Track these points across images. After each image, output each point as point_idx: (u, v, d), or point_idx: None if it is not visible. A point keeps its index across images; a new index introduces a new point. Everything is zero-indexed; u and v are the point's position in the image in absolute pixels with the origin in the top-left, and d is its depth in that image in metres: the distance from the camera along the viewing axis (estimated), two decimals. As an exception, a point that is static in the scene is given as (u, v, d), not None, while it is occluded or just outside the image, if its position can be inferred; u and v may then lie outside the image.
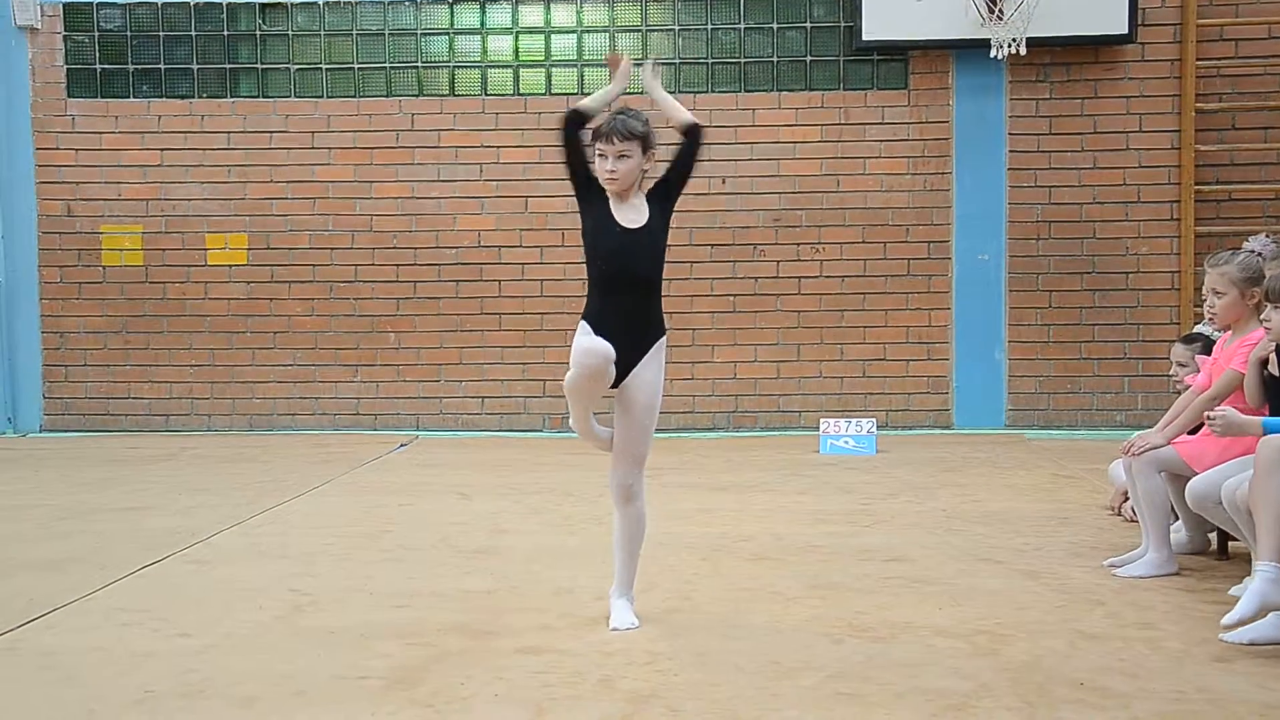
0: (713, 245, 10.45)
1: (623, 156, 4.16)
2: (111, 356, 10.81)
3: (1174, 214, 10.16)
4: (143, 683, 3.74)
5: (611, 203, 4.23)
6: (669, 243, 4.46)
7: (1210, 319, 5.48)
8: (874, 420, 9.40)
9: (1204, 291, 5.23)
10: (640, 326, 4.19)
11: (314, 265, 10.69)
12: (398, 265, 10.67)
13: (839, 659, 3.91)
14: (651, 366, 4.20)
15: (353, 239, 10.67)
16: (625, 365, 4.13)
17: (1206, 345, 5.70)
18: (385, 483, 7.90)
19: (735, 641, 4.11)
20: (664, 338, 4.26)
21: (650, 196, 4.29)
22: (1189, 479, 4.84)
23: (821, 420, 9.46)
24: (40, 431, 10.82)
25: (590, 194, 4.24)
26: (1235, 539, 5.06)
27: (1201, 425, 5.00)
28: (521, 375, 10.58)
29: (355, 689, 3.67)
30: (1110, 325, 10.27)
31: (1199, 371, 5.44)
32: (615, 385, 4.17)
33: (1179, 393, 5.63)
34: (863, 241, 10.42)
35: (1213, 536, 5.43)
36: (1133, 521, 5.79)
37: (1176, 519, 5.40)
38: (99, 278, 10.78)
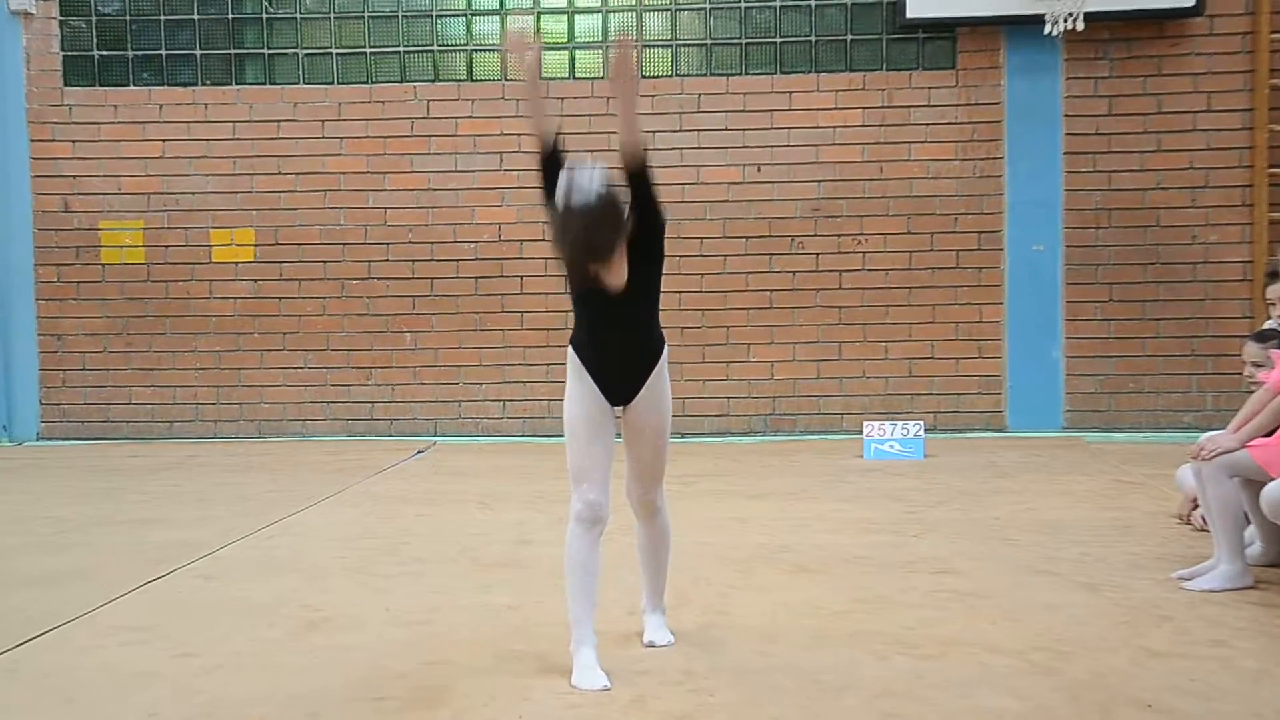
0: (747, 238, 10.44)
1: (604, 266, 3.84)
2: (112, 360, 10.90)
3: (1245, 199, 10.09)
4: (147, 705, 3.77)
5: None
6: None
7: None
8: (921, 423, 9.37)
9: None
10: (635, 353, 4.07)
11: (325, 262, 10.75)
12: (413, 261, 10.72)
13: (885, 677, 3.90)
14: (655, 388, 4.06)
15: (366, 234, 10.73)
16: (626, 394, 4.06)
17: (1282, 340, 5.65)
18: (402, 492, 7.94)
19: (774, 659, 4.11)
20: (665, 353, 4.13)
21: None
22: (1264, 485, 4.80)
23: (865, 423, 9.43)
24: (38, 440, 10.92)
25: None
26: (1313, 549, 5.03)
27: (1277, 426, 4.97)
28: (545, 377, 10.59)
29: (372, 711, 3.69)
30: (1176, 320, 10.20)
31: (1274, 369, 5.40)
32: (618, 404, 4.08)
33: (1252, 392, 5.58)
34: (908, 232, 10.39)
35: (1290, 546, 5.39)
36: (1203, 531, 5.76)
37: (1250, 526, 5.35)
38: (98, 276, 10.87)
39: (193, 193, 10.79)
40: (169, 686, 3.95)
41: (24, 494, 8.12)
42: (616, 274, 3.87)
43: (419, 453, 9.88)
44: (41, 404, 10.97)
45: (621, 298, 3.92)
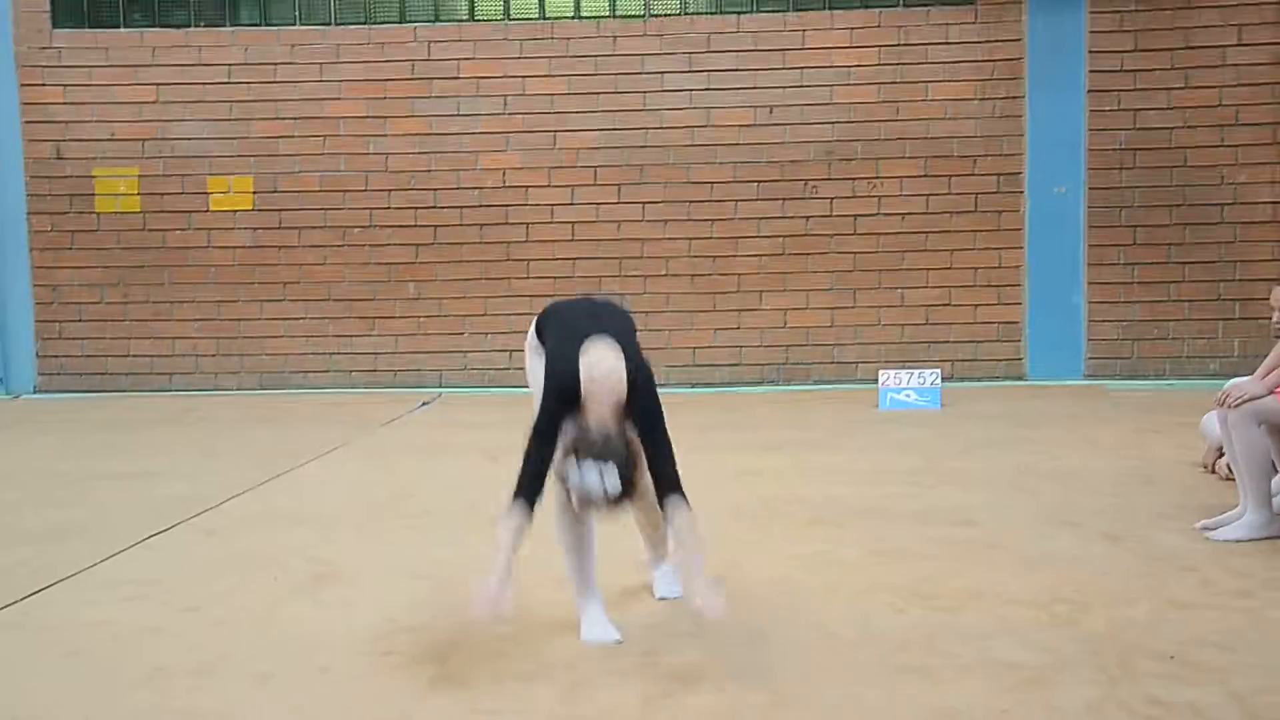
0: (759, 182, 10.40)
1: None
2: (109, 311, 10.92)
3: (1276, 136, 10.03)
4: (152, 659, 3.81)
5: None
6: None
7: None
8: (938, 371, 9.38)
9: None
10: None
11: (325, 210, 10.74)
12: (416, 209, 10.70)
13: (902, 630, 3.92)
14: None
15: (367, 181, 10.70)
16: None
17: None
18: (406, 444, 7.97)
19: (788, 613, 4.13)
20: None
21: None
22: (1290, 432, 4.80)
23: (881, 372, 9.44)
24: (35, 393, 10.97)
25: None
26: (1341, 497, 5.03)
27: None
28: (552, 326, 10.58)
29: (380, 664, 3.72)
30: (1203, 264, 10.17)
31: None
32: None
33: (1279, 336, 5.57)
34: (925, 175, 10.35)
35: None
36: (1228, 479, 5.76)
37: (1277, 475, 5.35)
38: (93, 226, 10.87)
39: (188, 139, 10.76)
40: (174, 641, 3.99)
41: (22, 448, 8.16)
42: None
43: (423, 404, 9.91)
44: (38, 356, 11.00)
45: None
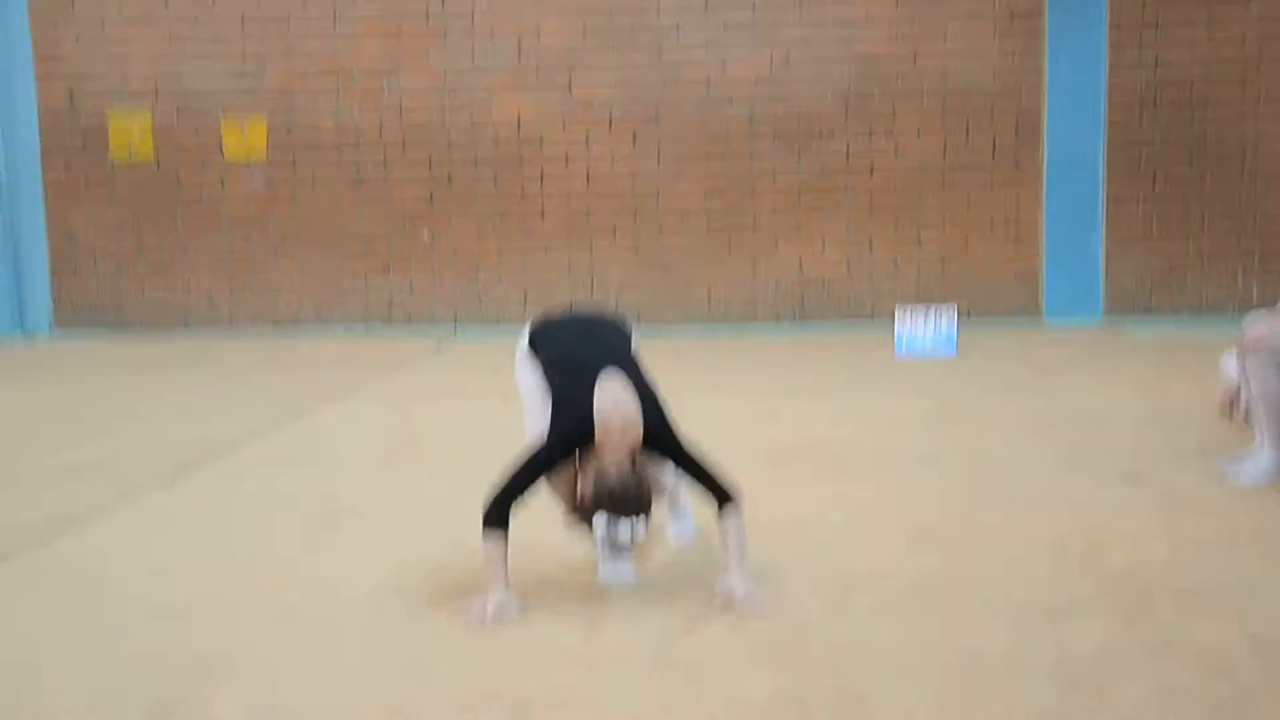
0: (775, 128, 10.32)
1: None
2: (124, 253, 10.92)
3: (1297, 82, 9.93)
4: (173, 594, 3.84)
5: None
6: None
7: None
8: (954, 306, 9.32)
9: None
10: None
11: (339, 153, 10.69)
12: (430, 154, 10.65)
13: (917, 569, 3.92)
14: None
15: (381, 125, 10.65)
16: None
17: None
18: (421, 386, 7.98)
19: (804, 553, 4.14)
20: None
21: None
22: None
23: (897, 316, 9.39)
24: (51, 335, 10.99)
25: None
26: (1360, 440, 5.00)
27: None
28: (566, 271, 10.58)
29: (398, 602, 3.74)
30: (1223, 209, 10.09)
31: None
32: None
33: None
34: (942, 120, 10.26)
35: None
36: (1247, 421, 5.73)
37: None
38: (107, 169, 10.85)
39: (202, 83, 10.70)
40: (193, 578, 4.01)
41: (40, 389, 8.19)
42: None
43: (438, 347, 9.91)
44: (53, 299, 11.01)
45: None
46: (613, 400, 3.64)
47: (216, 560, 4.22)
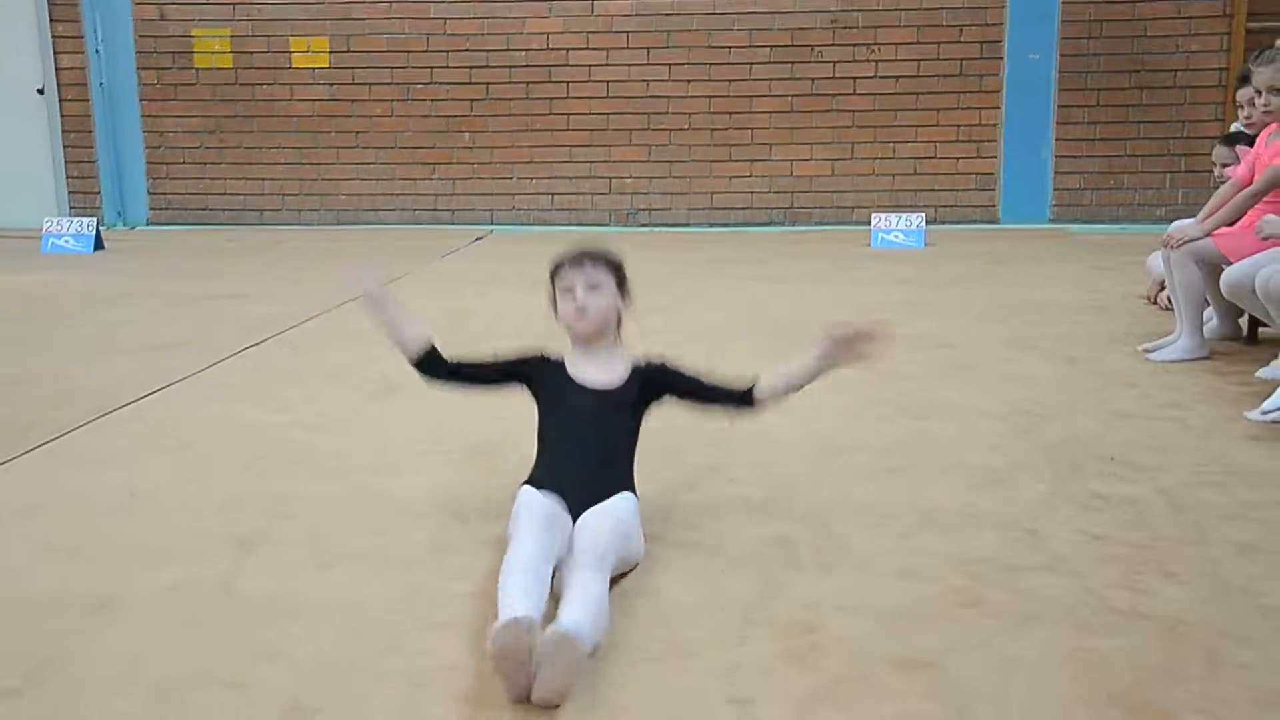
0: (771, 46, 10.12)
1: (594, 288, 2.92)
2: (208, 155, 10.84)
3: (1226, 9, 9.67)
4: (252, 449, 3.86)
5: (569, 361, 3.01)
6: None
7: (1250, 121, 5.29)
8: (923, 215, 9.24)
9: (1254, 90, 4.94)
10: (596, 483, 2.79)
11: (392, 68, 10.53)
12: (470, 68, 10.49)
13: (888, 438, 3.93)
14: (614, 505, 2.74)
15: (428, 42, 10.47)
16: (575, 510, 2.74)
17: (1248, 140, 5.48)
18: (464, 273, 7.95)
19: (789, 419, 4.13)
20: (631, 498, 2.82)
21: (635, 365, 3.01)
22: (1224, 269, 4.73)
23: (873, 215, 9.31)
24: (147, 224, 10.97)
25: (536, 374, 3.07)
26: (1266, 325, 4.98)
27: (1239, 218, 4.88)
28: (589, 173, 10.48)
29: (440, 460, 3.76)
30: (1155, 123, 9.92)
31: (1240, 166, 5.26)
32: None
33: (1218, 187, 5.45)
34: (917, 42, 10.05)
35: (1243, 323, 5.34)
36: (1168, 310, 5.71)
37: (1209, 307, 5.30)
38: (193, 80, 10.72)
39: (273, 3, 10.52)
40: (268, 435, 4.03)
41: (137, 272, 8.18)
42: (599, 312, 2.96)
43: (477, 239, 9.86)
44: (149, 193, 10.97)
45: (598, 406, 2.94)
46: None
47: (285, 420, 4.23)
